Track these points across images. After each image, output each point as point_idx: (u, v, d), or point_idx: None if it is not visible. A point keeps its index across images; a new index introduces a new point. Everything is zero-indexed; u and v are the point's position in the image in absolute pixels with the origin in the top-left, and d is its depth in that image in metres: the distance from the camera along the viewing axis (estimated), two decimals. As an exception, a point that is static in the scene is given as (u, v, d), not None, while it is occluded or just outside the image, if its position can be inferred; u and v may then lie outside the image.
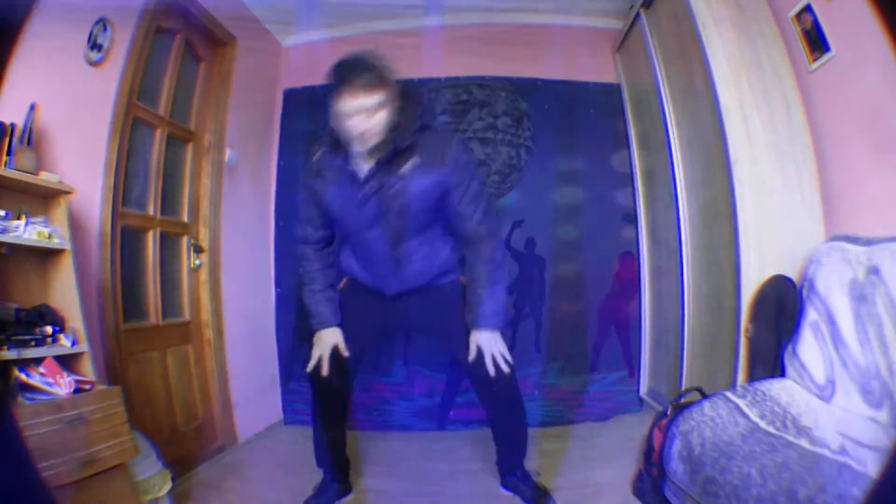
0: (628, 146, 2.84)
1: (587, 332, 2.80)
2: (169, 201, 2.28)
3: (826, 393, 1.45)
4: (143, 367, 2.01)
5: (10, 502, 0.83)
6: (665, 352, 2.54)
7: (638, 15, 2.49)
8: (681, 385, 2.22)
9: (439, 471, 2.12)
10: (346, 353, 1.64)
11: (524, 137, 2.83)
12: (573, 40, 2.82)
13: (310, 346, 1.66)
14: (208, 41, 2.47)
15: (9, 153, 1.39)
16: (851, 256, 1.48)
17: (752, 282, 1.76)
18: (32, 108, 1.49)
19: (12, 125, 1.41)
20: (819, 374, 1.48)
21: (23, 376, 1.31)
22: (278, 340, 2.86)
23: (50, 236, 1.47)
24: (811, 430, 1.30)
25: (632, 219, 2.83)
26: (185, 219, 2.39)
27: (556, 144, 2.81)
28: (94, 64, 1.78)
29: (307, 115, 2.79)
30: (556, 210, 2.80)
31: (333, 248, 1.72)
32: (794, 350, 1.57)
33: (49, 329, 1.42)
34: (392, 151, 1.45)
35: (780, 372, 1.62)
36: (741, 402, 1.45)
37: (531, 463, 1.84)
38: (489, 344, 1.58)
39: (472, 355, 1.60)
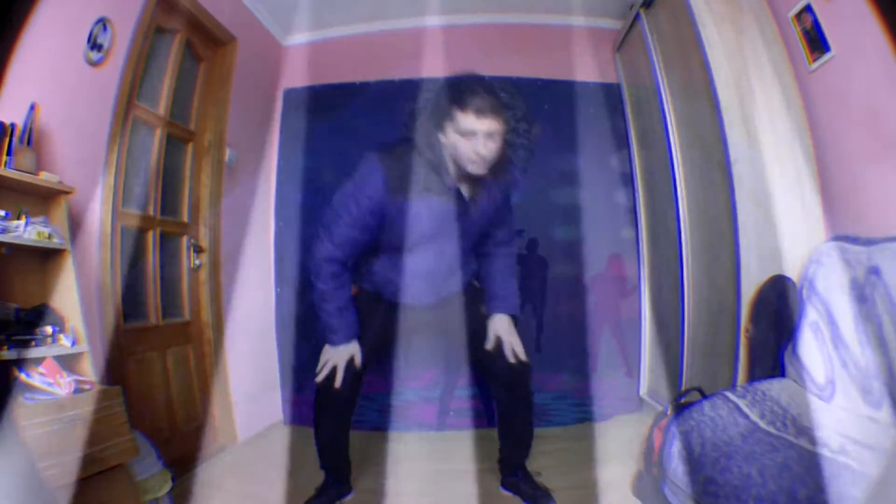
0: (628, 146, 2.84)
1: (587, 333, 2.79)
2: (169, 201, 2.28)
3: (826, 393, 1.45)
4: (143, 367, 2.01)
5: (10, 502, 0.83)
6: (665, 352, 2.54)
7: (638, 15, 2.48)
8: (681, 385, 2.22)
9: (439, 471, 2.12)
10: (359, 366, 1.64)
11: (524, 137, 2.82)
12: (573, 40, 2.81)
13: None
14: (208, 41, 2.46)
15: (9, 153, 1.38)
16: (851, 256, 1.48)
17: (752, 282, 1.76)
18: (32, 107, 1.48)
19: (12, 125, 1.41)
20: (819, 374, 1.48)
21: (23, 376, 1.31)
22: (278, 340, 2.86)
23: (50, 236, 1.46)
24: (811, 430, 1.30)
25: (632, 219, 2.82)
26: (185, 219, 2.38)
27: (556, 144, 2.81)
28: (94, 64, 1.77)
29: (307, 115, 2.79)
30: (557, 210, 2.80)
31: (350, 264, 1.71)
32: (794, 350, 1.57)
33: (49, 329, 1.41)
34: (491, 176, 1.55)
35: (780, 372, 1.62)
36: (741, 402, 1.45)
37: (532, 463, 1.84)
38: (508, 333, 1.69)
39: (490, 344, 1.67)
